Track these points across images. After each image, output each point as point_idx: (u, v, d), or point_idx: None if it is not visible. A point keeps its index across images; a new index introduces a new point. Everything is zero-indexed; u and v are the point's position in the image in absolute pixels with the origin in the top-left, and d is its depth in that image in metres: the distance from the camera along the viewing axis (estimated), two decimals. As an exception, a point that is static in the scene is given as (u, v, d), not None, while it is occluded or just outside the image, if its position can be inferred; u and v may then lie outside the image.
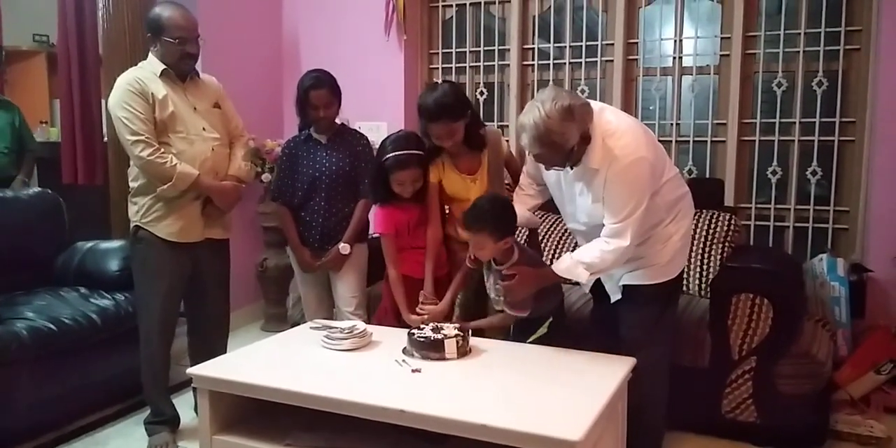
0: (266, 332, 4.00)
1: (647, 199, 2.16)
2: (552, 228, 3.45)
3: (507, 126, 4.16)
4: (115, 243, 3.35)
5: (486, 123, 2.89)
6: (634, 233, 2.17)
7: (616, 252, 2.19)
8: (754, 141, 3.64)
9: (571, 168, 2.23)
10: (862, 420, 2.77)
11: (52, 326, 2.74)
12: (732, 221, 3.19)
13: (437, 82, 3.54)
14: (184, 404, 2.88)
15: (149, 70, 2.66)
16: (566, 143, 2.08)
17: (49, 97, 5.48)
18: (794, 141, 3.56)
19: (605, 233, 2.20)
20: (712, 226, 3.17)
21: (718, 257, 3.10)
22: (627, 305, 2.39)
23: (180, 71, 2.68)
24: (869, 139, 3.40)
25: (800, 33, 3.53)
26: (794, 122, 3.57)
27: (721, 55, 3.70)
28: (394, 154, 2.60)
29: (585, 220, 2.32)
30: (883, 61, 3.28)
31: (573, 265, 2.25)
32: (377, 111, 4.17)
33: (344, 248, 2.88)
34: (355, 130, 3.10)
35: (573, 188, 2.31)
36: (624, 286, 2.38)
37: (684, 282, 2.97)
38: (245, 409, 2.20)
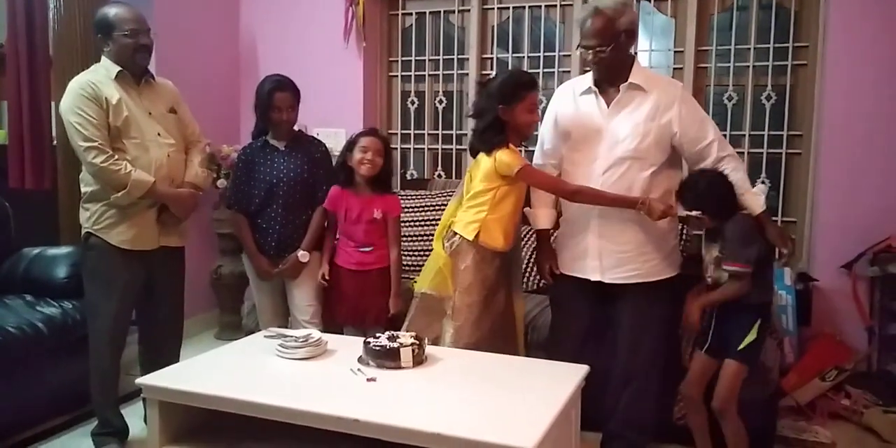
0: (220, 341, 3.94)
1: None
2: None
3: (466, 134, 4.18)
4: (64, 249, 3.27)
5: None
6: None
7: (738, 160, 2.47)
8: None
9: (603, 80, 2.45)
10: (808, 426, 2.85)
11: (-4, 335, 2.67)
12: (684, 231, 3.24)
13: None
14: (133, 415, 2.82)
15: (102, 74, 2.60)
16: (617, 22, 2.33)
17: (-4, 99, 5.32)
18: (743, 153, 3.65)
19: (717, 156, 2.42)
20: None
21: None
22: (640, 305, 2.48)
23: (136, 68, 2.62)
24: (815, 152, 3.51)
25: (750, 48, 3.63)
26: (744, 135, 3.66)
27: (674, 68, 3.78)
28: (361, 132, 2.94)
29: (630, 146, 2.41)
30: (828, 76, 3.39)
31: (752, 196, 2.43)
32: (336, 118, 4.16)
33: (303, 255, 2.86)
34: (313, 137, 3.10)
35: (614, 116, 2.43)
36: (636, 285, 2.47)
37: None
38: (197, 419, 2.16)
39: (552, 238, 2.78)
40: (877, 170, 3.32)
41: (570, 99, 2.55)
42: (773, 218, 3.54)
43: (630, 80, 2.41)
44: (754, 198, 2.44)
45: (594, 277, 2.51)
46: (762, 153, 3.64)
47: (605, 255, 2.49)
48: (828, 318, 3.38)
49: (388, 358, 2.20)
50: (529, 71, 4.02)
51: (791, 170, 3.62)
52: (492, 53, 4.15)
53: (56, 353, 2.88)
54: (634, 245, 2.46)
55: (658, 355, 2.55)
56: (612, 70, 2.43)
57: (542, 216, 2.69)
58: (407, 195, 3.79)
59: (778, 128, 3.61)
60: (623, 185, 2.43)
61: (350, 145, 2.89)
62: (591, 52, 2.38)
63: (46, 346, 2.84)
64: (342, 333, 2.86)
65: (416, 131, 4.38)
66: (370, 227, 2.88)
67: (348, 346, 2.38)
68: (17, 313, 2.88)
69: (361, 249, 2.91)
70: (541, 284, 3.07)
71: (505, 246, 2.56)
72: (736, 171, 2.44)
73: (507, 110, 2.45)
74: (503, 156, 2.44)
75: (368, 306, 2.89)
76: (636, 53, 2.51)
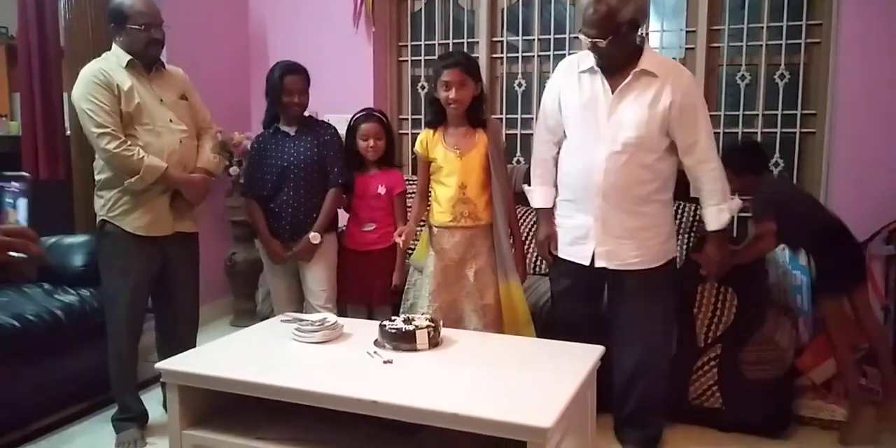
0: (235, 327, 3.97)
1: None
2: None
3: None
4: (80, 238, 3.29)
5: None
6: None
7: (720, 170, 2.40)
8: (718, 133, 3.69)
9: (610, 67, 2.38)
10: (824, 405, 2.84)
11: (15, 323, 2.70)
12: (697, 212, 3.23)
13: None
14: (152, 400, 2.86)
15: (114, 61, 2.61)
16: (619, 13, 2.24)
17: (9, 90, 5.34)
18: (756, 133, 3.63)
19: (698, 158, 2.39)
20: (677, 217, 3.22)
21: (684, 247, 3.14)
22: (642, 291, 2.46)
23: (147, 59, 2.64)
24: (829, 131, 3.47)
25: (762, 27, 3.59)
26: (757, 115, 3.63)
27: (686, 48, 3.75)
28: (359, 114, 3.02)
29: (634, 133, 2.36)
30: (842, 54, 3.36)
31: (714, 210, 2.42)
32: (346, 103, 4.09)
33: (314, 236, 2.88)
34: (323, 121, 3.11)
35: (618, 103, 2.38)
36: (637, 271, 2.45)
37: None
38: (215, 403, 2.18)
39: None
40: (891, 148, 3.29)
41: (573, 75, 2.48)
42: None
43: (642, 66, 2.34)
44: (714, 213, 2.41)
45: (597, 263, 2.46)
46: (776, 133, 3.61)
47: (605, 241, 2.44)
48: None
49: (403, 340, 2.20)
50: (540, 53, 4.02)
51: (805, 149, 3.59)
52: (502, 37, 4.13)
53: (75, 341, 2.91)
54: (635, 230, 2.42)
55: (666, 339, 2.54)
56: (610, 59, 2.36)
57: (539, 194, 2.62)
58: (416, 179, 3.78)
59: (791, 107, 3.58)
60: (626, 171, 2.37)
61: (352, 131, 2.99)
62: (588, 40, 2.32)
63: (65, 334, 2.88)
64: (347, 313, 2.92)
65: (427, 114, 4.35)
66: (373, 203, 2.97)
67: (364, 330, 2.39)
68: (35, 302, 2.91)
69: (364, 229, 2.98)
70: (543, 266, 3.05)
71: (443, 222, 2.65)
72: (712, 182, 2.40)
73: (434, 90, 2.62)
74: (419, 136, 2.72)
75: (372, 285, 2.97)
76: (645, 36, 2.45)
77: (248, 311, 4.09)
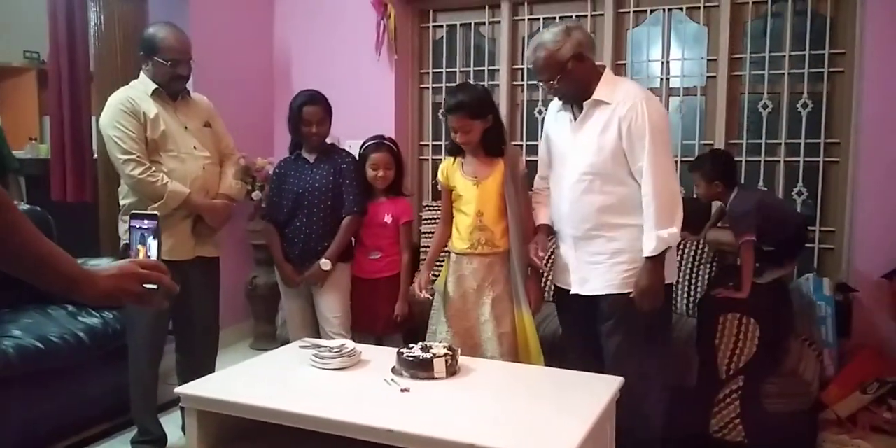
0: (255, 351, 3.99)
1: (669, 140, 2.36)
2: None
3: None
4: (104, 261, 3.33)
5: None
6: (668, 171, 2.33)
7: (653, 196, 2.28)
8: (741, 161, 3.67)
9: (571, 101, 2.43)
10: (849, 439, 2.78)
11: (39, 345, 2.72)
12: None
13: (468, 82, 3.86)
14: (171, 423, 2.86)
15: (140, 89, 2.68)
16: (558, 54, 2.32)
17: (39, 114, 5.46)
18: (779, 161, 3.61)
19: (643, 182, 2.32)
20: (701, 245, 3.20)
21: (706, 277, 3.12)
22: (619, 316, 2.39)
23: (170, 91, 2.70)
24: (853, 160, 3.44)
25: (785, 56, 3.58)
26: (780, 143, 3.61)
27: (708, 77, 3.75)
28: (369, 143, 3.05)
29: (588, 161, 2.37)
30: (866, 83, 3.34)
31: (647, 239, 2.31)
32: (368, 130, 4.11)
33: (325, 263, 2.89)
34: (342, 149, 3.14)
35: (577, 133, 2.41)
36: (608, 296, 2.39)
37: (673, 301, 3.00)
38: (233, 428, 2.18)
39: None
40: (917, 177, 3.25)
41: (552, 114, 2.59)
42: (811, 227, 3.53)
43: (594, 96, 2.36)
44: (645, 240, 2.31)
45: (573, 290, 2.48)
46: (799, 161, 3.58)
47: (579, 268, 2.46)
48: (868, 330, 3.30)
49: (421, 368, 2.20)
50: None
51: (829, 178, 3.56)
52: (522, 64, 4.15)
53: (98, 363, 2.93)
54: (607, 255, 2.40)
55: (644, 371, 2.35)
56: (570, 95, 2.42)
57: (542, 213, 2.66)
58: (437, 205, 3.80)
59: (815, 136, 3.55)
60: (588, 200, 2.39)
61: (361, 159, 3.03)
62: (542, 83, 2.43)
63: (88, 356, 2.90)
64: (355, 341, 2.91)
65: (447, 142, 4.38)
66: (379, 232, 3.00)
67: (382, 357, 2.39)
68: (59, 323, 2.94)
69: (370, 257, 3.01)
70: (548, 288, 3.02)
71: (462, 249, 2.67)
72: (646, 207, 2.30)
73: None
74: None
75: (379, 314, 2.99)
76: (604, 67, 2.45)
77: (268, 335, 4.10)
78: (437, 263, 2.86)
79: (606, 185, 2.37)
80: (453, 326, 2.67)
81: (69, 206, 4.01)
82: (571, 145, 2.44)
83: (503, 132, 2.72)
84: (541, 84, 2.47)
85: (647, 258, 2.31)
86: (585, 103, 2.38)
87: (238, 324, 4.24)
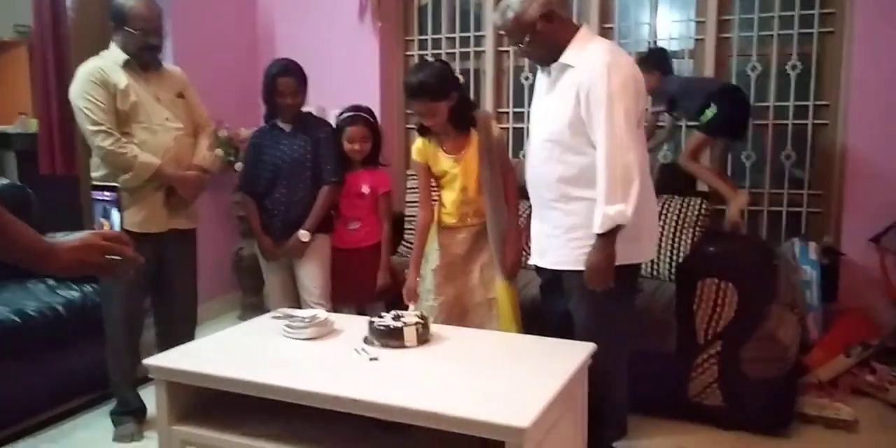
0: (243, 322, 3.98)
1: (633, 109, 2.16)
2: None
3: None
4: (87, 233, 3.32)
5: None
6: (624, 144, 2.11)
7: (606, 168, 2.11)
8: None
9: (544, 64, 2.32)
10: (829, 403, 2.77)
11: (16, 319, 2.73)
12: (703, 205, 3.17)
13: (427, 61, 3.67)
14: (152, 396, 2.85)
15: (111, 60, 2.63)
16: (525, 15, 2.22)
17: (31, 88, 5.42)
18: (768, 125, 3.54)
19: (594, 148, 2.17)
20: (683, 210, 3.16)
21: (689, 242, 3.09)
22: (578, 292, 2.31)
23: (141, 61, 2.65)
24: (843, 122, 3.38)
25: (774, 16, 3.50)
26: (769, 106, 3.55)
27: (696, 39, 3.68)
28: (346, 115, 2.97)
29: (547, 128, 2.29)
30: (856, 44, 3.26)
31: (596, 215, 2.15)
32: (353, 98, 4.07)
33: (303, 235, 2.87)
34: (320, 118, 3.10)
35: (549, 96, 2.32)
36: (565, 272, 2.34)
37: (654, 266, 2.98)
38: (204, 399, 2.18)
39: None
40: (906, 140, 3.19)
41: (538, 78, 2.45)
42: (800, 191, 3.48)
43: (560, 59, 2.23)
44: (595, 214, 2.15)
45: (531, 260, 2.45)
46: (787, 124, 3.52)
47: (539, 239, 2.41)
48: (856, 293, 3.27)
49: (391, 337, 2.19)
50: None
51: (818, 141, 3.49)
52: (508, 29, 4.07)
53: (77, 336, 2.93)
54: (563, 230, 2.29)
55: (609, 344, 2.23)
56: (542, 57, 2.31)
57: None
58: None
59: (804, 98, 3.48)
60: (547, 169, 2.29)
61: (338, 131, 2.97)
62: (512, 45, 2.33)
63: (67, 329, 2.90)
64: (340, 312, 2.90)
65: (416, 123, 4.32)
66: (357, 202, 2.97)
67: (354, 326, 2.37)
68: (38, 297, 2.94)
69: (349, 227, 2.99)
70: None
71: (450, 223, 2.66)
72: (599, 181, 2.14)
73: None
74: None
75: (360, 284, 2.97)
76: (579, 27, 2.27)
77: (255, 306, 4.10)
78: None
79: (565, 154, 2.25)
80: (441, 295, 2.66)
81: (58, 179, 3.99)
82: (542, 110, 2.36)
83: (470, 105, 2.68)
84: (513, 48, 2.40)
85: (597, 235, 2.17)
86: (553, 67, 2.28)
87: (225, 295, 4.23)
